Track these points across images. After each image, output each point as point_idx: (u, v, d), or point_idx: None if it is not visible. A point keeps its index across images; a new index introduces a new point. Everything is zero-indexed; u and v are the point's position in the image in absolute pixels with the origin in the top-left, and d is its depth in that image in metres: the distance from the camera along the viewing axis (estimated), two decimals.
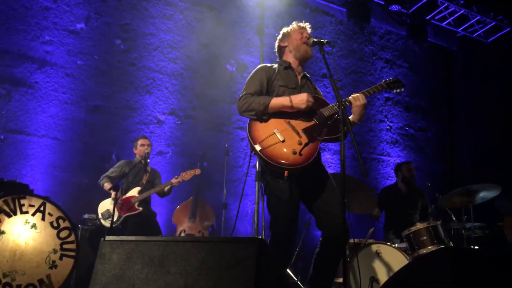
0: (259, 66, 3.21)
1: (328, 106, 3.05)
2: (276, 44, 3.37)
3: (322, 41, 3.03)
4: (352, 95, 3.07)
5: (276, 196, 2.89)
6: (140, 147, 5.45)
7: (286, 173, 2.80)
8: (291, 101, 2.94)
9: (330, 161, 7.43)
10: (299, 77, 3.23)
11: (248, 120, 3.01)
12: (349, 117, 3.12)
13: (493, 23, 8.27)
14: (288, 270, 4.54)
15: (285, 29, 3.34)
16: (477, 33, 8.46)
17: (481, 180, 5.01)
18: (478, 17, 8.21)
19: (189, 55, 6.83)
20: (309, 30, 3.29)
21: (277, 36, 3.38)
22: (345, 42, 8.12)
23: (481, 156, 8.07)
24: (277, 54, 3.40)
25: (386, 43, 8.56)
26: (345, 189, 2.65)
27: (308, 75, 3.34)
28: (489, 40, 8.50)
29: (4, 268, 3.45)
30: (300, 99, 2.94)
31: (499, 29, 8.35)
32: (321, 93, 3.40)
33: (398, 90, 3.29)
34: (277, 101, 2.96)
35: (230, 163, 6.46)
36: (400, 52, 8.66)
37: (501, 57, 8.17)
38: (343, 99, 3.05)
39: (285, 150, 2.85)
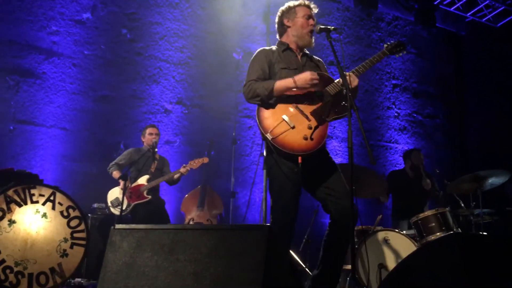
0: (258, 51, 3.17)
1: (334, 82, 3.00)
2: (278, 17, 3.25)
3: (329, 28, 3.00)
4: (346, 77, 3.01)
5: (283, 175, 2.89)
6: (148, 136, 5.48)
7: (300, 159, 2.82)
8: (294, 82, 2.91)
9: (338, 148, 7.42)
10: (299, 57, 3.18)
11: (256, 108, 3.00)
12: None
13: (502, 8, 8.15)
14: (296, 257, 4.57)
15: (291, 5, 3.21)
16: (486, 18, 8.34)
17: (490, 166, 4.99)
18: (487, 2, 8.10)
19: (196, 44, 6.81)
20: (315, 11, 3.23)
21: (280, 8, 3.24)
22: (352, 29, 8.05)
23: (491, 142, 8.02)
24: (276, 29, 3.29)
25: (393, 29, 8.48)
26: (353, 177, 2.65)
27: (308, 52, 3.27)
28: (498, 25, 8.39)
29: (16, 257, 3.50)
30: (304, 79, 2.90)
31: (508, 14, 8.24)
32: (325, 67, 3.32)
33: (401, 54, 3.21)
34: (281, 84, 2.93)
35: (237, 151, 6.46)
36: (408, 38, 8.57)
37: (510, 42, 8.06)
38: (336, 81, 3.01)
39: (296, 136, 2.86)
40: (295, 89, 2.94)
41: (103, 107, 6.09)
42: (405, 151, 6.05)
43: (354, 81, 2.99)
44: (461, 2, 8.12)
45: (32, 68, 5.77)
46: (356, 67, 3.08)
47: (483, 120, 8.38)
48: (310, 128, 2.90)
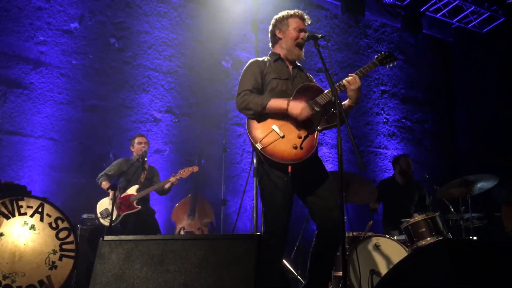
0: (250, 61, 3.19)
1: (323, 93, 3.02)
2: (271, 27, 3.27)
3: (317, 36, 3.02)
4: (345, 79, 3.01)
5: (274, 185, 2.90)
6: (137, 145, 5.45)
7: (290, 168, 2.82)
8: (287, 106, 2.92)
9: (328, 155, 7.44)
10: (290, 68, 3.21)
11: (246, 118, 3.01)
12: (345, 102, 3.08)
13: (488, 14, 8.27)
14: (288, 265, 4.55)
15: (284, 14, 3.23)
16: (472, 24, 8.46)
17: (479, 170, 5.02)
18: (473, 8, 8.21)
19: (184, 52, 6.81)
20: (308, 22, 3.24)
21: (274, 17, 3.25)
22: (340, 36, 8.11)
23: (480, 146, 8.09)
24: (269, 38, 3.31)
25: (381, 36, 8.56)
26: (342, 184, 2.66)
27: (299, 64, 3.30)
28: (484, 31, 8.50)
29: (4, 270, 3.45)
30: (296, 108, 2.91)
31: (494, 20, 8.35)
32: (314, 81, 3.34)
33: (391, 65, 3.23)
34: (275, 104, 2.94)
35: (228, 159, 6.45)
36: (396, 44, 8.65)
37: (496, 47, 8.17)
38: (326, 91, 3.02)
39: (286, 145, 2.87)
40: (285, 111, 2.94)
41: (92, 116, 6.05)
42: (393, 157, 6.08)
43: (354, 83, 2.99)
44: (447, 9, 8.22)
45: (20, 79, 5.72)
46: (355, 72, 3.08)
47: (472, 125, 8.46)
48: (299, 137, 2.91)
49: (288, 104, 2.92)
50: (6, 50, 5.69)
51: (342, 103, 3.10)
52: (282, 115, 2.97)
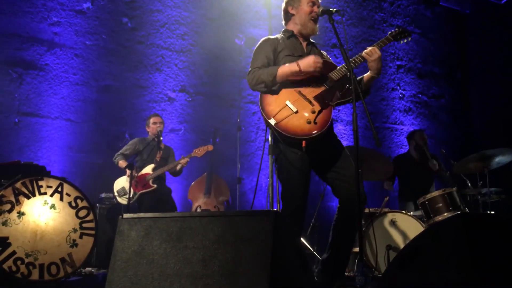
0: (262, 39, 3.17)
1: (337, 68, 3.00)
2: (283, 5, 3.24)
3: (331, 10, 2.98)
4: (364, 51, 2.98)
5: (290, 164, 2.90)
6: (153, 125, 5.49)
7: (304, 143, 2.81)
8: (298, 65, 2.90)
9: (343, 132, 7.40)
10: (304, 44, 3.18)
11: (259, 95, 3.00)
12: (367, 73, 3.05)
13: None
14: (304, 241, 4.59)
15: None
16: None
17: (497, 144, 4.95)
18: None
19: (197, 30, 6.77)
20: None
21: None
22: (354, 10, 7.96)
23: (497, 120, 7.96)
24: (282, 16, 3.29)
25: (396, 9, 8.38)
26: (358, 160, 2.65)
27: (313, 41, 3.27)
28: (503, 1, 8.27)
29: (26, 248, 3.53)
30: (307, 62, 2.90)
31: None
32: (330, 57, 3.32)
33: (405, 40, 3.19)
34: (285, 69, 2.92)
35: (242, 138, 6.47)
36: (412, 17, 8.47)
37: None
38: (340, 66, 3.00)
39: (299, 120, 2.86)
40: (299, 74, 2.92)
41: (107, 97, 6.09)
42: (409, 132, 6.02)
43: (373, 54, 2.96)
44: None
45: (35, 60, 5.77)
46: (374, 44, 3.04)
47: (489, 99, 8.31)
48: (313, 112, 2.89)
49: (298, 65, 2.90)
50: (21, 31, 5.72)
51: (364, 76, 3.09)
52: (296, 84, 2.94)
